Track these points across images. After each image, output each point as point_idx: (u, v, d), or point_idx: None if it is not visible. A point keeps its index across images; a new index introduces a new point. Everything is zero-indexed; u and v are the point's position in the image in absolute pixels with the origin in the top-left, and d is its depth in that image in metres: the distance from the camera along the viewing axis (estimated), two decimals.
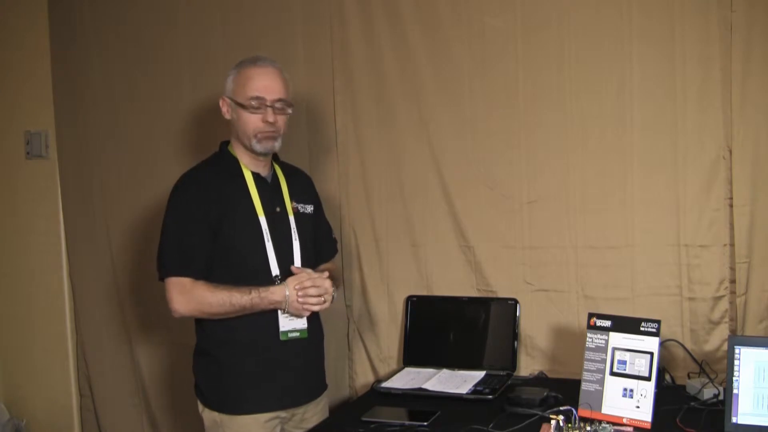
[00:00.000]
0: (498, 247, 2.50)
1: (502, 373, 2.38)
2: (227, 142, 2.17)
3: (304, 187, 2.28)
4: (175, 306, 2.01)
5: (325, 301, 2.07)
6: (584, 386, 1.99)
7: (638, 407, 1.91)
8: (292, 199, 2.19)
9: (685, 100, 2.27)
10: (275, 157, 2.24)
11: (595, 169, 2.38)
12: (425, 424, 1.98)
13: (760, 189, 2.23)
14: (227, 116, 2.11)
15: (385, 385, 2.34)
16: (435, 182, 2.56)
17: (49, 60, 3.09)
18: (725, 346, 2.04)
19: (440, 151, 2.55)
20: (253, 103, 2.04)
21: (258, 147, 2.08)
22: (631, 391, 1.93)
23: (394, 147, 2.61)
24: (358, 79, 2.64)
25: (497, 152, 2.48)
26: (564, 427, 1.78)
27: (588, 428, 1.80)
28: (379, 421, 2.01)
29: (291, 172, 2.26)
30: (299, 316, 2.08)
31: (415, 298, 2.60)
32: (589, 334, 2.03)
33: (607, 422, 1.88)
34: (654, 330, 1.94)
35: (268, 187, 2.14)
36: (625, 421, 1.91)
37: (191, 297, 2.00)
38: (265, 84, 2.06)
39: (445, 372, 2.42)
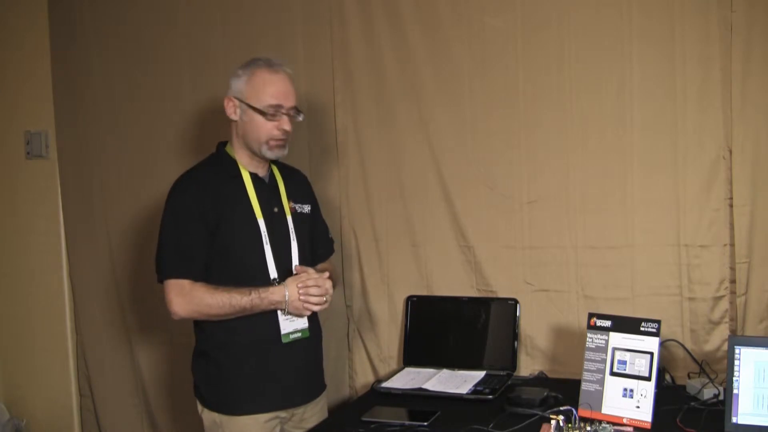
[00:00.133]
0: (498, 247, 2.50)
1: (502, 373, 2.38)
2: (224, 143, 2.16)
3: (301, 187, 2.28)
4: (174, 308, 2.00)
5: (325, 301, 2.06)
6: (584, 386, 1.99)
7: (638, 407, 1.91)
8: (289, 199, 2.18)
9: (685, 100, 2.27)
10: None
11: (595, 169, 2.38)
12: (425, 424, 1.98)
13: (760, 189, 2.23)
14: (233, 117, 2.08)
15: (385, 385, 2.34)
16: (435, 182, 2.56)
17: (49, 60, 3.09)
18: (725, 346, 2.04)
19: (440, 151, 2.55)
20: (270, 110, 2.02)
21: (269, 153, 2.07)
22: (631, 391, 1.93)
23: (394, 147, 2.61)
24: (358, 79, 2.64)
25: (497, 152, 2.49)
26: (564, 427, 1.78)
27: (588, 428, 1.80)
28: (379, 421, 2.01)
29: (288, 172, 2.25)
30: (300, 316, 2.08)
31: (415, 298, 2.60)
32: (589, 334, 2.03)
33: (607, 422, 1.88)
34: (654, 330, 1.95)
35: (265, 188, 2.13)
36: (625, 421, 1.91)
37: (191, 299, 1.99)
38: (282, 91, 2.04)
39: (445, 372, 2.42)
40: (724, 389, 1.93)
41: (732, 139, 2.23)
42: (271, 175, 2.18)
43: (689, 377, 2.22)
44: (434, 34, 2.53)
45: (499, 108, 2.47)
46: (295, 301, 2.02)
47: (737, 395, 1.84)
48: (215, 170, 2.10)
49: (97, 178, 3.05)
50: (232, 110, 2.07)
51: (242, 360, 2.05)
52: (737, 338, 1.98)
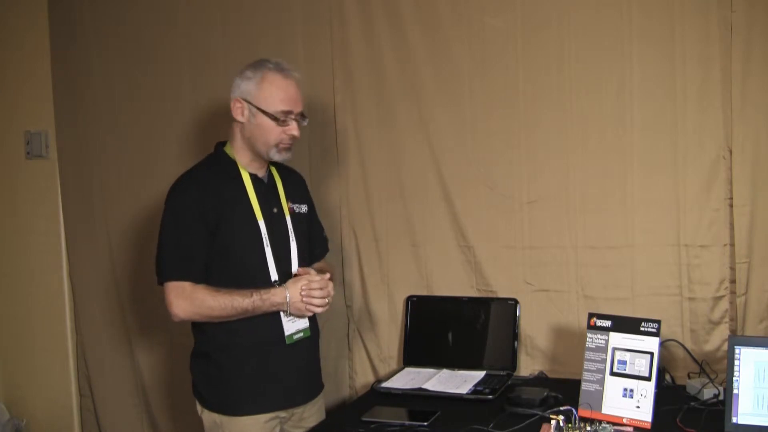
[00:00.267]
0: (498, 247, 2.50)
1: (502, 373, 2.38)
2: (222, 143, 2.15)
3: (298, 187, 2.28)
4: (175, 310, 1.99)
5: (327, 303, 2.06)
6: (584, 386, 1.99)
7: (638, 407, 1.91)
8: (288, 199, 2.18)
9: (685, 100, 2.27)
10: None
11: (595, 169, 2.38)
12: (425, 424, 1.98)
13: (760, 189, 2.23)
14: (240, 118, 2.06)
15: (385, 385, 2.34)
16: (435, 182, 2.56)
17: (49, 60, 3.09)
18: (725, 346, 2.04)
19: (440, 151, 2.55)
20: (281, 115, 2.02)
21: (277, 156, 2.07)
22: (631, 391, 1.93)
23: (394, 147, 2.61)
24: (358, 79, 2.64)
25: (497, 152, 2.49)
26: (564, 427, 1.78)
27: (588, 428, 1.80)
28: (379, 421, 2.01)
29: (286, 173, 2.25)
30: (301, 317, 2.09)
31: (415, 298, 2.60)
32: (589, 334, 2.03)
33: (607, 422, 1.88)
34: (654, 330, 1.95)
35: (265, 188, 2.13)
36: (625, 421, 1.91)
37: (192, 301, 1.98)
38: (293, 97, 2.04)
39: (445, 372, 2.42)
40: (724, 389, 1.93)
41: (732, 139, 2.23)
42: (270, 176, 2.18)
43: (689, 377, 2.22)
44: (434, 34, 2.53)
45: (499, 108, 2.47)
46: (296, 303, 2.02)
47: (737, 395, 1.84)
48: (214, 171, 2.09)
49: (97, 178, 3.05)
50: (240, 112, 2.05)
51: (244, 361, 2.05)
52: (737, 338, 1.98)
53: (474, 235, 2.53)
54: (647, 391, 1.91)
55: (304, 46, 2.70)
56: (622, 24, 2.32)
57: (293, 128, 2.05)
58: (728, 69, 2.22)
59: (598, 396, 1.96)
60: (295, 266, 2.13)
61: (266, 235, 2.07)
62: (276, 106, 2.02)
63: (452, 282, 2.56)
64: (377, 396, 2.28)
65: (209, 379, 2.08)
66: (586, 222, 2.40)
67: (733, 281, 2.26)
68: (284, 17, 2.72)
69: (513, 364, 2.42)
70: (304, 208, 2.24)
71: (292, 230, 2.15)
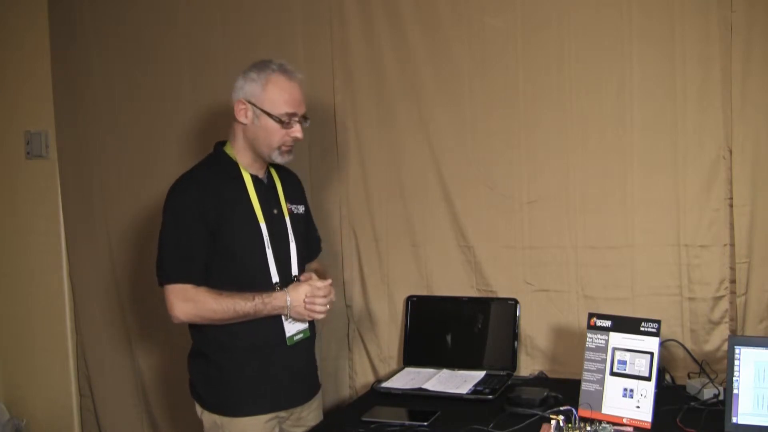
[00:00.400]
0: (498, 247, 2.50)
1: (502, 373, 2.38)
2: (222, 143, 2.13)
3: (296, 188, 2.28)
4: (176, 313, 1.98)
5: (328, 309, 2.07)
6: (584, 386, 1.99)
7: (638, 407, 1.91)
8: (286, 200, 2.18)
9: (685, 100, 2.27)
10: None
11: (595, 169, 2.38)
12: (425, 424, 1.98)
13: (760, 189, 2.23)
14: (243, 120, 2.04)
15: (385, 385, 2.34)
16: (435, 182, 2.56)
17: (49, 60, 3.09)
18: (725, 346, 2.04)
19: (440, 151, 2.55)
20: (286, 118, 2.01)
21: (279, 159, 2.06)
22: (632, 391, 1.93)
23: (394, 147, 2.61)
24: (358, 79, 2.64)
25: (497, 152, 2.49)
26: (564, 427, 1.78)
27: (588, 428, 1.80)
28: (379, 421, 2.01)
29: (284, 174, 2.24)
30: (301, 321, 2.09)
31: (415, 298, 2.60)
32: (589, 334, 2.03)
33: (607, 422, 1.88)
34: (654, 330, 1.95)
35: (265, 189, 2.12)
36: (625, 421, 1.91)
37: (194, 304, 1.97)
38: (297, 99, 2.03)
39: (445, 372, 2.42)
40: (724, 389, 1.93)
41: (732, 139, 2.23)
42: (269, 177, 2.17)
43: (689, 377, 2.22)
44: (434, 34, 2.53)
45: (499, 108, 2.47)
46: (297, 307, 2.02)
47: (737, 395, 1.84)
48: (215, 171, 2.08)
49: (97, 178, 3.05)
50: (243, 114, 2.03)
51: (244, 362, 2.05)
52: (737, 338, 1.98)
53: (474, 235, 2.53)
54: (647, 391, 1.91)
55: (304, 46, 2.70)
56: (622, 24, 2.32)
57: (297, 130, 2.04)
58: (728, 69, 2.22)
59: (598, 396, 1.96)
60: (294, 268, 2.13)
61: (267, 237, 2.06)
62: (281, 108, 2.01)
63: (452, 282, 2.56)
64: (377, 396, 2.28)
65: (209, 379, 2.08)
66: (586, 222, 2.40)
67: (733, 281, 2.26)
68: (284, 17, 2.72)
69: (513, 364, 2.42)
70: (301, 209, 2.24)
71: (291, 231, 2.14)
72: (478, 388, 2.24)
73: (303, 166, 2.60)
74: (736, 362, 1.86)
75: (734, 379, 1.85)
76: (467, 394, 2.21)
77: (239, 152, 2.09)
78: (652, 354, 1.93)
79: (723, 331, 2.27)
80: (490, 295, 2.52)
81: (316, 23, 2.68)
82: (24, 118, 3.16)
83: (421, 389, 2.26)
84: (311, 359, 2.22)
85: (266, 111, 2.01)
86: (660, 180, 2.31)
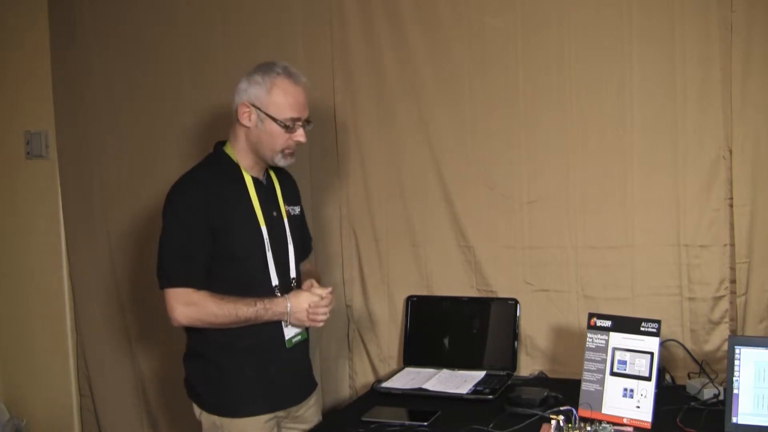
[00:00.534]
0: (498, 247, 2.50)
1: (502, 373, 2.38)
2: (222, 143, 2.12)
3: (292, 188, 2.26)
4: (177, 316, 1.97)
5: (328, 317, 2.08)
6: (584, 386, 1.99)
7: (638, 407, 1.91)
8: (284, 202, 2.17)
9: (685, 100, 2.27)
10: None
11: (595, 169, 2.38)
12: (425, 424, 1.98)
13: (760, 189, 2.23)
14: (246, 123, 2.01)
15: (385, 385, 2.34)
16: (435, 182, 2.56)
17: (49, 60, 3.09)
18: (725, 346, 2.05)
19: (440, 151, 2.55)
20: (290, 122, 2.00)
21: (282, 162, 2.05)
22: (632, 391, 1.93)
23: (394, 147, 2.61)
24: (358, 79, 2.64)
25: (497, 152, 2.49)
26: (564, 427, 1.78)
27: (588, 428, 1.80)
28: (379, 421, 2.01)
29: (281, 175, 2.22)
30: (301, 327, 2.10)
31: (415, 298, 2.60)
32: (589, 334, 2.03)
33: (608, 422, 1.88)
34: (654, 330, 1.95)
35: (265, 192, 2.11)
36: (625, 421, 1.91)
37: (196, 308, 1.96)
38: (302, 103, 2.02)
39: (445, 372, 2.42)
40: (724, 389, 1.93)
41: (732, 139, 2.23)
42: (268, 178, 2.16)
43: (689, 377, 2.22)
44: (434, 34, 2.53)
45: (499, 108, 2.47)
46: (297, 314, 2.02)
47: (737, 395, 1.84)
48: (215, 172, 2.06)
49: (97, 178, 3.05)
50: (247, 117, 2.01)
51: (244, 363, 2.04)
52: (737, 338, 1.98)
53: (474, 235, 2.53)
54: (647, 391, 1.91)
55: (304, 46, 2.70)
56: (622, 24, 2.32)
57: (300, 135, 2.03)
58: (728, 69, 2.22)
59: (598, 396, 1.96)
60: (293, 270, 2.13)
61: (268, 240, 2.06)
62: (286, 113, 2.00)
63: (452, 282, 2.56)
64: (377, 396, 2.28)
65: (208, 380, 2.07)
66: (586, 222, 2.40)
67: (733, 281, 2.26)
68: (284, 17, 2.72)
69: (513, 364, 2.42)
70: (297, 210, 2.23)
71: (289, 233, 2.14)
72: (478, 388, 2.24)
73: (303, 166, 2.60)
74: (736, 362, 1.86)
75: (734, 379, 1.85)
76: (467, 394, 2.21)
77: (240, 154, 2.07)
78: (652, 354, 1.93)
79: (723, 331, 2.27)
80: (490, 295, 2.52)
81: (316, 23, 2.67)
82: (24, 118, 3.15)
83: (421, 389, 2.26)
84: (307, 359, 2.22)
85: (271, 115, 1.99)
86: (660, 180, 2.32)
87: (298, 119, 2.02)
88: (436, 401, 2.17)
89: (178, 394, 2.90)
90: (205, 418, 2.07)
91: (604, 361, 1.99)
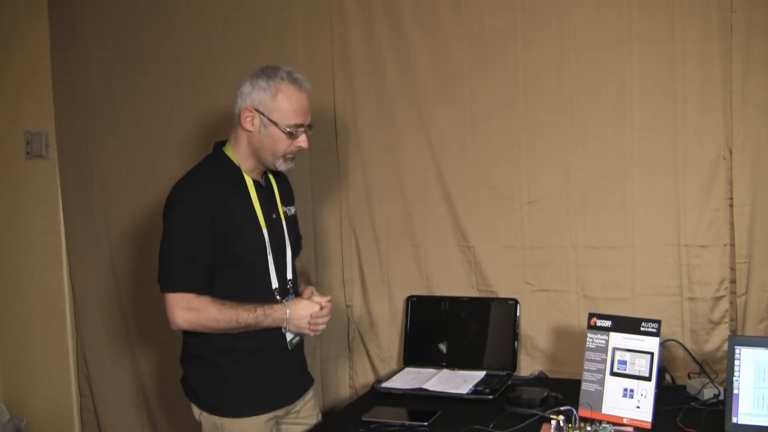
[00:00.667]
0: (498, 247, 2.50)
1: (502, 373, 2.38)
2: (221, 143, 2.10)
3: (287, 189, 2.26)
4: (177, 320, 1.96)
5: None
6: (584, 386, 1.99)
7: (638, 407, 1.91)
8: (282, 203, 2.17)
9: (685, 100, 2.27)
10: None
11: (595, 169, 2.38)
12: (425, 424, 1.98)
13: (760, 189, 2.23)
14: (250, 128, 1.99)
15: (385, 385, 2.34)
16: (435, 182, 2.56)
17: (49, 60, 3.09)
18: (725, 346, 2.05)
19: (440, 151, 2.55)
20: (293, 129, 1.99)
21: (282, 167, 2.05)
22: (632, 391, 1.93)
23: (394, 147, 2.61)
24: (358, 79, 2.63)
25: (497, 152, 2.49)
26: (564, 427, 1.78)
27: (588, 428, 1.80)
28: (379, 421, 2.01)
29: (276, 175, 2.20)
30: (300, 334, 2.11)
31: (415, 298, 2.60)
32: (589, 334, 2.03)
33: (608, 422, 1.88)
34: (654, 330, 1.95)
35: (264, 194, 2.11)
36: (625, 421, 1.91)
37: (197, 313, 1.95)
38: (306, 109, 2.01)
39: (445, 372, 2.42)
40: (724, 389, 1.93)
41: (732, 139, 2.24)
42: (267, 180, 2.16)
43: (689, 377, 2.22)
44: (434, 34, 2.53)
45: (499, 108, 2.47)
46: (296, 320, 2.02)
47: (737, 395, 1.84)
48: (216, 175, 2.04)
49: (97, 178, 3.05)
50: (250, 121, 1.99)
51: (245, 363, 2.04)
52: (737, 338, 1.98)
53: (474, 235, 2.53)
54: (647, 391, 1.91)
55: (304, 46, 2.69)
56: (622, 24, 2.32)
57: (303, 140, 2.03)
58: (728, 69, 2.22)
59: (599, 396, 1.96)
60: (290, 272, 2.13)
61: (268, 242, 2.06)
62: (290, 119, 1.99)
63: (452, 282, 2.56)
64: (377, 396, 2.28)
65: (209, 381, 2.07)
66: (586, 222, 2.40)
67: (733, 281, 2.26)
68: (284, 17, 2.72)
69: (513, 364, 2.42)
70: (292, 210, 2.23)
71: (287, 234, 2.14)
72: (479, 388, 2.24)
73: (303, 167, 2.60)
74: (736, 362, 1.86)
75: (734, 379, 1.85)
76: (467, 394, 2.21)
77: (241, 157, 2.06)
78: (652, 354, 1.93)
79: (723, 331, 2.27)
80: (490, 295, 2.52)
81: (316, 23, 2.67)
82: (24, 118, 3.15)
83: (421, 389, 2.26)
84: (303, 356, 2.23)
85: (274, 121, 1.98)
86: (660, 180, 2.32)
87: (301, 125, 2.01)
88: (436, 401, 2.17)
89: (178, 394, 2.89)
90: (205, 419, 2.07)
91: (604, 361, 1.99)
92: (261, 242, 2.05)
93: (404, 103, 2.58)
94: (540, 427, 1.89)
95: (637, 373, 1.94)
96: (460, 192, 2.54)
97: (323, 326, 2.07)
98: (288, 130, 1.99)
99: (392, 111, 2.60)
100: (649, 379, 1.92)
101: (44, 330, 3.19)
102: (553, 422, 1.77)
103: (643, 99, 2.32)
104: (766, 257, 2.24)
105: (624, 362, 1.96)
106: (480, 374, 2.38)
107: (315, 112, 2.65)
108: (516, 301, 2.46)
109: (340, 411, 2.46)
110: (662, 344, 2.07)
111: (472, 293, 2.54)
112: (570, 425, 1.80)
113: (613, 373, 1.97)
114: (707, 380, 2.12)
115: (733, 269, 2.26)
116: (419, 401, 2.19)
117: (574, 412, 1.83)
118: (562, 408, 1.84)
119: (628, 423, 1.91)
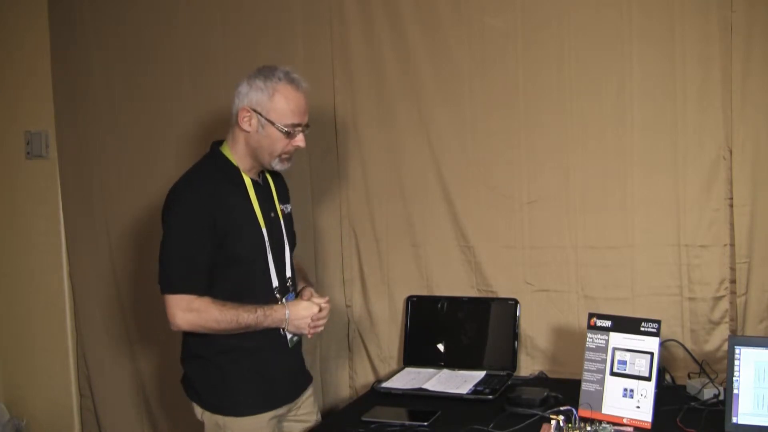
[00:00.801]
0: (498, 247, 2.50)
1: (502, 373, 2.38)
2: (219, 143, 2.10)
3: (283, 187, 2.26)
4: (177, 321, 1.96)
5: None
6: (584, 386, 1.99)
7: (638, 407, 1.91)
8: (279, 202, 2.17)
9: (685, 100, 2.27)
10: None
11: (595, 169, 2.38)
12: (425, 424, 1.98)
13: (760, 189, 2.23)
14: (248, 128, 1.99)
15: (385, 385, 2.34)
16: (435, 182, 2.56)
17: (49, 60, 3.09)
18: (725, 346, 2.05)
19: (440, 151, 2.55)
20: (291, 128, 1.99)
21: (279, 166, 2.05)
22: (632, 391, 1.93)
23: (394, 147, 2.61)
24: (358, 79, 2.64)
25: (497, 152, 2.49)
26: (564, 427, 1.78)
27: (588, 428, 1.80)
28: (379, 421, 2.01)
29: (274, 174, 2.20)
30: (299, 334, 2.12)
31: (415, 298, 2.60)
32: (589, 334, 2.03)
33: (608, 422, 1.88)
34: (654, 330, 1.95)
35: (262, 193, 2.11)
36: (625, 421, 1.91)
37: (198, 314, 1.95)
38: (303, 109, 2.02)
39: (446, 372, 2.42)
40: (724, 389, 1.94)
41: (732, 139, 2.24)
42: (264, 179, 2.15)
43: (689, 377, 2.22)
44: (434, 34, 2.53)
45: (499, 108, 2.47)
46: (295, 321, 2.03)
47: (737, 395, 1.84)
48: (215, 175, 2.03)
49: (97, 178, 3.05)
50: (247, 122, 1.99)
51: (246, 363, 2.05)
52: (737, 338, 1.98)
53: (474, 235, 2.53)
54: (647, 391, 1.91)
55: (304, 46, 2.69)
56: (622, 24, 2.32)
57: (300, 140, 2.03)
58: (728, 69, 2.22)
59: (598, 396, 1.96)
60: (288, 270, 2.13)
61: (268, 242, 2.06)
62: (287, 119, 1.99)
63: (452, 282, 2.56)
64: (377, 396, 2.28)
65: (210, 380, 2.07)
66: (586, 222, 2.40)
67: (733, 281, 2.26)
68: (284, 17, 2.72)
69: (513, 364, 2.42)
70: (289, 208, 2.23)
71: (285, 233, 2.14)
72: (478, 388, 2.24)
73: (303, 167, 2.60)
74: (736, 362, 1.86)
75: (734, 379, 1.85)
76: (467, 394, 2.21)
77: (239, 156, 2.05)
78: (652, 354, 1.93)
79: (723, 331, 2.27)
80: (490, 295, 2.52)
81: (316, 23, 2.67)
82: (24, 118, 3.15)
83: (421, 389, 2.26)
84: (301, 354, 2.23)
85: (272, 121, 1.98)
86: (660, 180, 2.32)
87: (298, 125, 2.02)
88: (436, 401, 2.17)
89: (178, 394, 2.89)
90: (208, 418, 2.07)
91: (604, 361, 1.99)
92: (261, 242, 2.05)
93: (404, 103, 2.58)
94: (540, 427, 1.89)
95: (637, 373, 1.94)
96: (460, 192, 2.54)
97: (321, 328, 2.08)
98: (285, 129, 1.99)
99: (392, 111, 2.60)
100: (649, 379, 1.92)
101: (44, 330, 3.19)
102: (553, 422, 1.78)
103: (643, 99, 2.32)
104: (766, 257, 2.24)
105: (624, 362, 1.96)
106: (480, 374, 2.38)
107: (315, 112, 2.65)
108: (516, 301, 2.46)
109: (340, 411, 2.46)
110: (662, 344, 2.07)
111: (472, 293, 2.55)
112: (570, 425, 1.80)
113: (613, 373, 1.97)
114: (707, 380, 2.12)
115: (733, 269, 2.26)
116: (419, 401, 2.19)
117: (574, 412, 1.83)
118: (562, 408, 1.84)
119: (628, 423, 1.91)
